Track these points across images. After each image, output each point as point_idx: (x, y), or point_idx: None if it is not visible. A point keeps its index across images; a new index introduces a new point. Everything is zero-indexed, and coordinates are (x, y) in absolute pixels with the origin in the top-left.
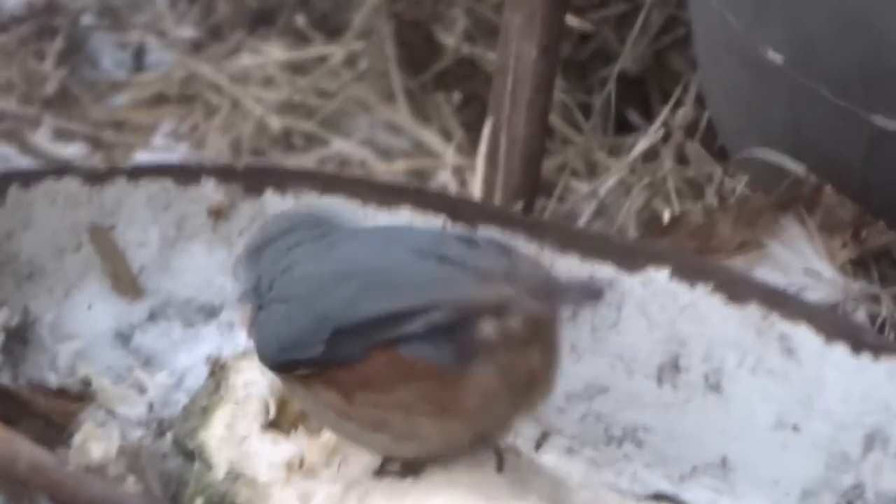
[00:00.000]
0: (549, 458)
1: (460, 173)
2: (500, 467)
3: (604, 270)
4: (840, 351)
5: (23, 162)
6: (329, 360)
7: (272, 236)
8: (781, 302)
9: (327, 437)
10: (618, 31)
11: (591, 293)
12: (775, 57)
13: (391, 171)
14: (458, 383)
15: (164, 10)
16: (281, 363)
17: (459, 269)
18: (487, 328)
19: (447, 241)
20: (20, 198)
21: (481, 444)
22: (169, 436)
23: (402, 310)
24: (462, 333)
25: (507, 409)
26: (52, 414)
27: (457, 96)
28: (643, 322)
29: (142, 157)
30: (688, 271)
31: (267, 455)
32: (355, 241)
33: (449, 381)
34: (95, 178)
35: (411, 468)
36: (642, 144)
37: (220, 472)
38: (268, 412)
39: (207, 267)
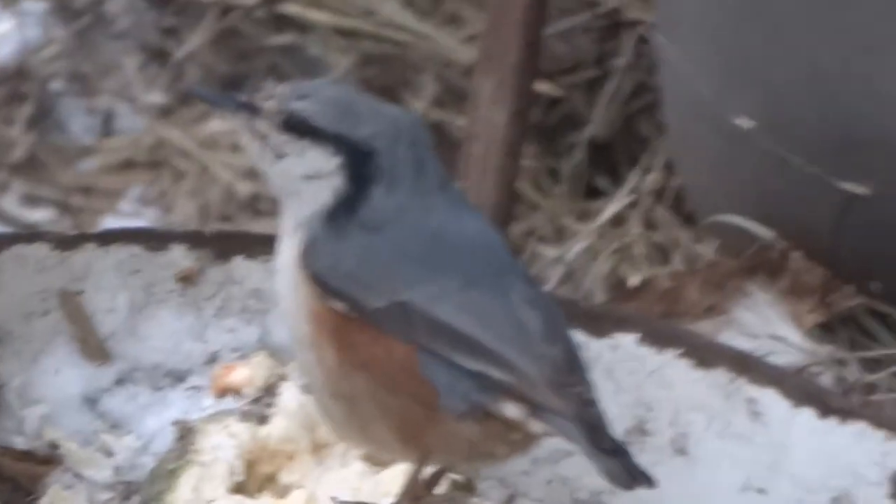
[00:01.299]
0: None
1: None
2: None
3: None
4: (807, 415)
5: None
6: (371, 321)
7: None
8: (749, 366)
9: (295, 499)
10: (587, 97)
11: (629, 476)
12: (745, 123)
13: None
14: (441, 423)
15: (134, 76)
16: (333, 288)
17: (532, 341)
18: (511, 411)
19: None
20: None
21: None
22: (135, 499)
23: (473, 340)
24: (482, 391)
25: (462, 457)
26: (20, 477)
27: None
28: (610, 386)
29: (110, 222)
30: (656, 336)
31: None
32: (465, 227)
33: (434, 419)
34: (65, 243)
35: None
36: (610, 209)
37: None
38: (234, 475)
39: (175, 332)
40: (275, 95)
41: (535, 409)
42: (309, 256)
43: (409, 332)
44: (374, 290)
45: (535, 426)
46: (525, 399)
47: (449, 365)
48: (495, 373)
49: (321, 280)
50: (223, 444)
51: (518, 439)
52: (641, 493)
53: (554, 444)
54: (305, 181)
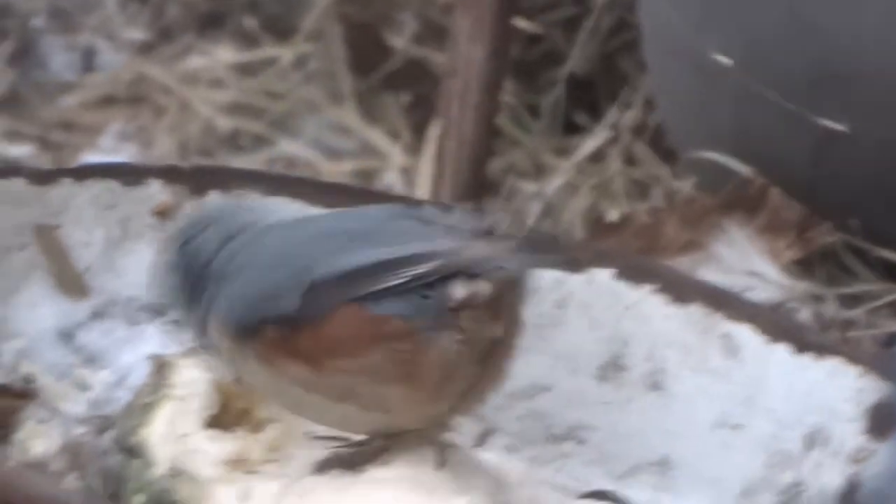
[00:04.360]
0: (490, 455)
1: (407, 174)
2: (441, 463)
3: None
4: (783, 350)
5: None
6: (304, 316)
7: (200, 227)
8: (725, 302)
9: (270, 433)
10: (567, 34)
11: (566, 260)
12: (724, 60)
13: (338, 171)
14: (426, 346)
15: (114, 13)
16: (248, 324)
17: (440, 228)
18: (459, 290)
19: (420, 207)
20: None
21: (439, 427)
22: (110, 433)
23: (388, 260)
24: (433, 294)
25: (468, 381)
26: None
27: (405, 98)
28: (586, 321)
29: (90, 157)
30: (633, 271)
31: (208, 452)
32: (321, 217)
33: (418, 343)
34: (42, 178)
35: (353, 463)
36: (589, 145)
37: (160, 468)
38: (210, 409)
39: (152, 266)
40: None
41: (472, 271)
42: (212, 320)
43: (336, 298)
44: (282, 295)
45: (483, 286)
46: (461, 270)
47: (386, 294)
48: (420, 269)
49: (236, 325)
50: (198, 378)
51: (501, 308)
52: (617, 427)
53: (529, 379)
54: None
